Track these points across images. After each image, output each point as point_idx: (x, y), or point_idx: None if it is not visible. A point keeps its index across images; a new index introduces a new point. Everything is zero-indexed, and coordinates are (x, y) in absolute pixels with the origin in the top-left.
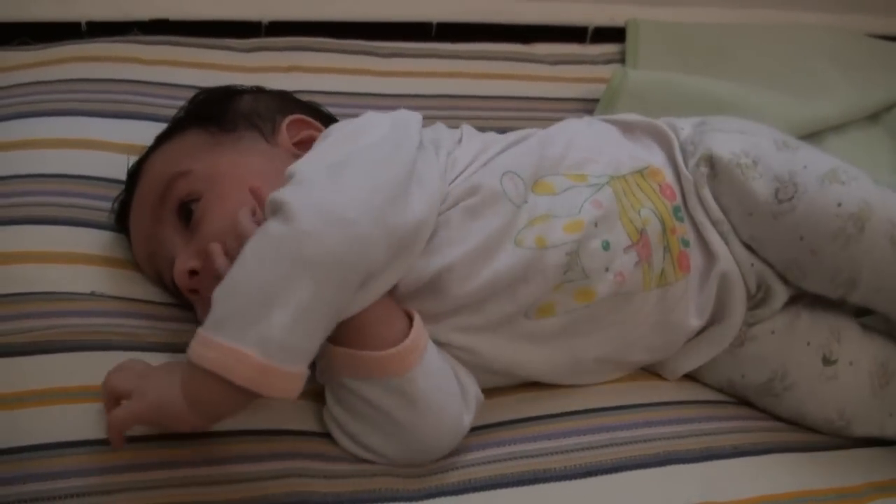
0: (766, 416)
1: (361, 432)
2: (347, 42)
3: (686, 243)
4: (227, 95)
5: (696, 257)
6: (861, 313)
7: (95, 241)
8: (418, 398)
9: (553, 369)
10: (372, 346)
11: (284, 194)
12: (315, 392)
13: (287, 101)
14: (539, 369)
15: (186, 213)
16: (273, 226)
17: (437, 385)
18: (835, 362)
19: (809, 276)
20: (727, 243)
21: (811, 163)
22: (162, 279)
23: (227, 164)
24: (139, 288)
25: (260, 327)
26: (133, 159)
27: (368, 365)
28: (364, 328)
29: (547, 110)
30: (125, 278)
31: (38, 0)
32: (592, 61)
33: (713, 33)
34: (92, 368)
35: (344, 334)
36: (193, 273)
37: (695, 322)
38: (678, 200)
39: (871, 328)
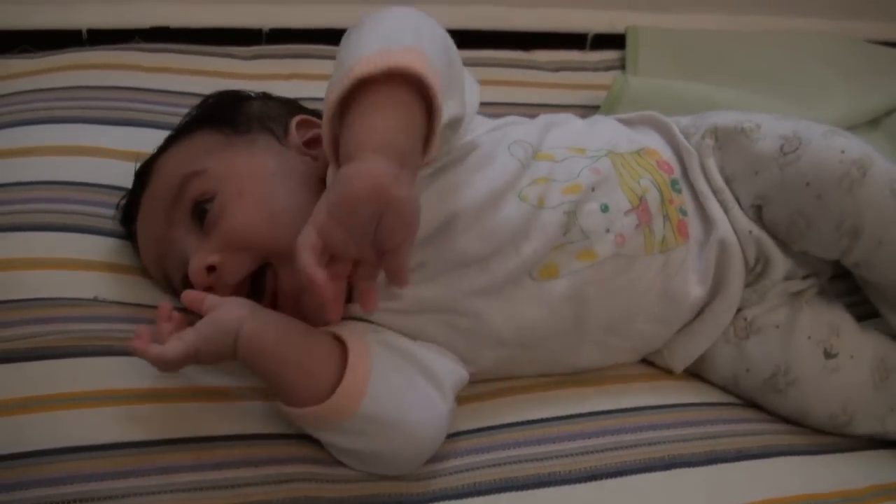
0: (770, 418)
1: (350, 462)
2: None
3: (684, 212)
4: (237, 99)
5: (694, 225)
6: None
7: (98, 246)
8: (379, 424)
9: (560, 338)
10: (309, 399)
11: None
12: None
13: (295, 106)
14: (546, 336)
15: (200, 213)
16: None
17: (394, 398)
18: (836, 356)
19: (815, 227)
20: (726, 212)
21: (812, 124)
22: (170, 282)
23: (243, 163)
24: (142, 293)
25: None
26: (136, 165)
27: (314, 418)
28: (294, 385)
29: None
30: (128, 284)
31: (40, 8)
32: (593, 68)
33: (713, 40)
34: (94, 374)
35: (281, 393)
36: (210, 270)
37: (696, 290)
38: (676, 174)
39: (867, 325)
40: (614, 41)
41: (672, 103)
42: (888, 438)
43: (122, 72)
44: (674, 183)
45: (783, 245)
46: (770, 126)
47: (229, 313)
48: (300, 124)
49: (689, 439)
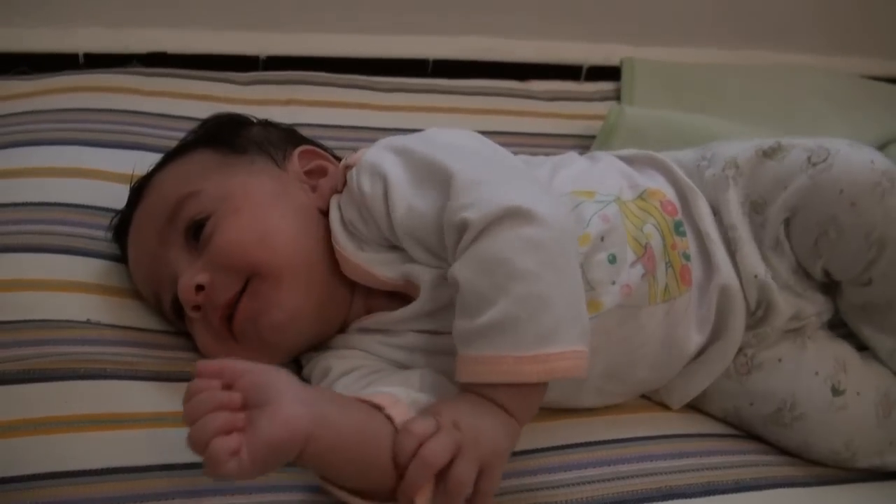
0: (768, 450)
1: None
2: (346, 76)
3: (687, 257)
4: (238, 122)
5: (696, 270)
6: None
7: (92, 269)
8: None
9: (560, 386)
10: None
11: (515, 199)
12: None
13: (295, 136)
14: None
15: (195, 232)
16: (537, 231)
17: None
18: (843, 392)
19: (845, 236)
20: (735, 252)
21: (830, 138)
22: (160, 301)
23: (239, 183)
24: (135, 316)
25: (581, 322)
26: (129, 188)
27: None
28: (356, 482)
29: (544, 146)
30: (121, 306)
31: (37, 31)
32: (588, 98)
33: (707, 72)
34: (87, 397)
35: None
36: (199, 289)
37: (696, 337)
38: (679, 216)
39: (868, 357)
40: (608, 73)
41: (668, 133)
42: (885, 470)
43: (119, 95)
44: (677, 225)
45: (788, 289)
46: (789, 141)
47: (292, 433)
48: (303, 154)
49: (686, 470)
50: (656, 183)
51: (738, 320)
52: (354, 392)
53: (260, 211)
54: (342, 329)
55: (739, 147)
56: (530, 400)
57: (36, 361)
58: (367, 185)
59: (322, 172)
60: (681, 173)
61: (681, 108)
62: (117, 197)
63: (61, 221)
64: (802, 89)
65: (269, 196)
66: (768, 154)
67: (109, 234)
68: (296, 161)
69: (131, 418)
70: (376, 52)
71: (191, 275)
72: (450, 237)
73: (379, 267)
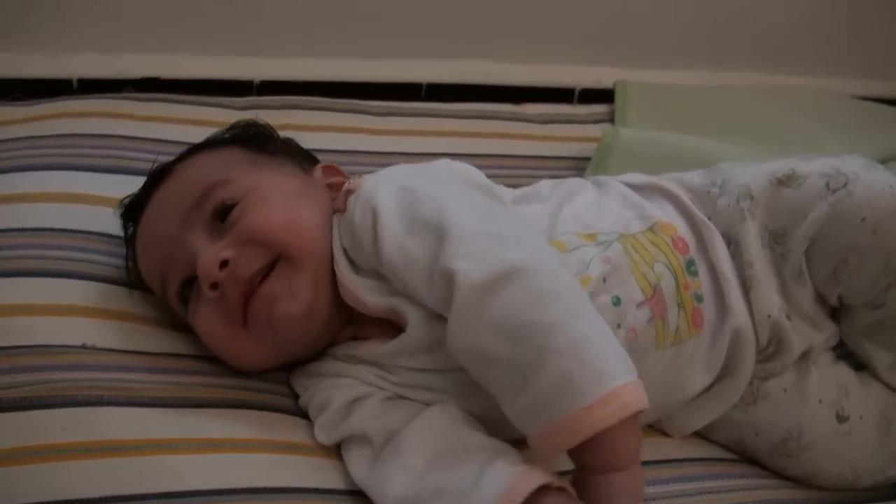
0: (768, 473)
1: None
2: (341, 101)
3: (699, 299)
4: (267, 130)
5: (709, 311)
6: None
7: (88, 292)
8: None
9: None
10: None
11: (516, 256)
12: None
13: (312, 156)
14: None
15: (221, 216)
16: (548, 283)
17: None
18: (847, 418)
19: (866, 263)
20: (750, 290)
21: (845, 158)
22: (165, 285)
23: (268, 179)
24: (133, 339)
25: (624, 355)
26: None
27: None
28: None
29: (538, 168)
30: (118, 330)
31: (30, 57)
32: (582, 121)
33: (700, 95)
34: (84, 425)
35: None
36: (223, 266)
37: (702, 378)
38: (691, 253)
39: (864, 377)
40: (601, 96)
41: (663, 154)
42: (888, 483)
43: (113, 120)
44: (689, 264)
45: (808, 320)
46: (804, 167)
47: None
48: (325, 169)
49: (688, 494)
50: (667, 214)
51: (749, 361)
52: (379, 422)
53: (288, 201)
54: (326, 350)
55: (751, 174)
56: (624, 440)
57: (32, 388)
58: (358, 215)
59: (339, 187)
60: (692, 205)
61: (674, 129)
62: (112, 222)
63: (57, 246)
64: (795, 110)
65: (296, 191)
66: (783, 182)
67: (120, 212)
68: (319, 172)
69: (129, 445)
70: (370, 76)
71: (216, 250)
72: (439, 285)
73: (367, 293)
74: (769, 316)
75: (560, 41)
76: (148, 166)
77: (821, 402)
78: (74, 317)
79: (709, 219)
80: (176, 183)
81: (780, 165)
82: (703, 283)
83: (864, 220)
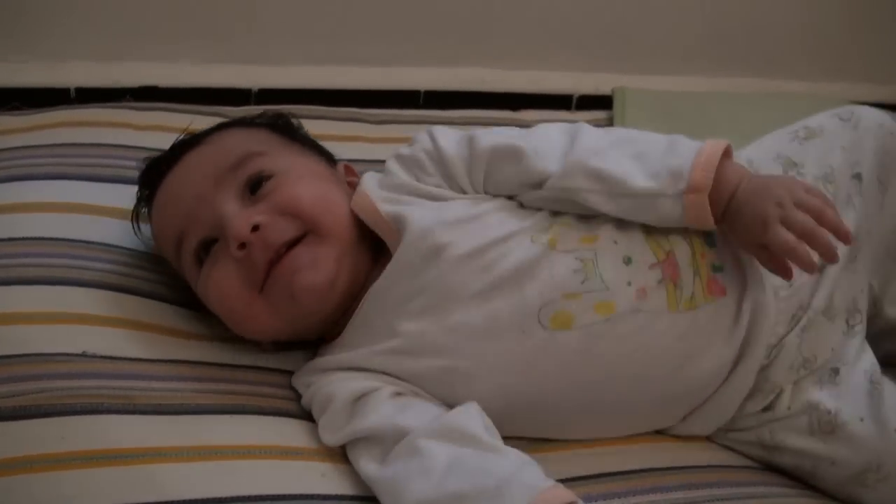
0: (784, 481)
1: None
2: (339, 109)
3: (717, 268)
4: (295, 122)
5: (730, 282)
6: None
7: (87, 299)
8: None
9: (569, 395)
10: None
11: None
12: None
13: None
14: (551, 393)
15: (254, 185)
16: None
17: None
18: None
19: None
20: None
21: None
22: (181, 242)
23: (302, 161)
24: (132, 346)
25: None
26: (123, 223)
27: None
28: None
29: None
30: (118, 337)
31: (28, 66)
32: None
33: (698, 101)
34: (84, 433)
35: None
36: (254, 229)
37: (723, 352)
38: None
39: None
40: (599, 102)
41: None
42: None
43: (111, 129)
44: (708, 235)
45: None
46: (811, 122)
47: None
48: (346, 168)
49: (698, 501)
50: None
51: (766, 335)
52: (390, 422)
53: (322, 182)
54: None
55: (771, 143)
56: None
57: (31, 397)
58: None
59: (354, 189)
60: None
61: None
62: (110, 231)
63: (56, 255)
64: (792, 115)
65: (327, 176)
66: (809, 138)
67: (142, 168)
68: (342, 169)
69: (129, 454)
70: (368, 83)
71: (251, 212)
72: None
73: (382, 203)
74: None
75: (558, 48)
76: None
77: (895, 430)
78: (74, 324)
79: None
80: (211, 148)
81: (794, 128)
82: (722, 254)
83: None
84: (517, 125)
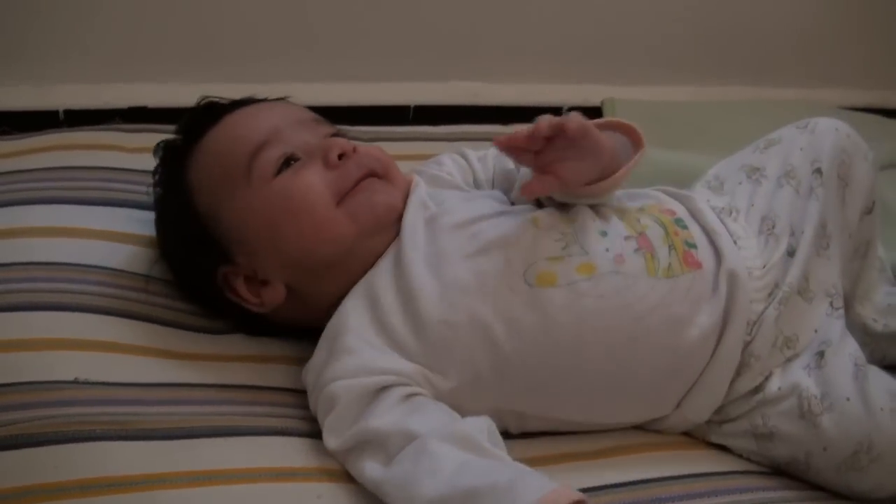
0: (800, 485)
1: None
2: None
3: (691, 245)
4: None
5: (705, 258)
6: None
7: (78, 325)
8: None
9: (560, 357)
10: None
11: None
12: None
13: None
14: (544, 351)
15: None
16: None
17: None
18: None
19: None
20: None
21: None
22: (259, 151)
23: None
24: (125, 371)
25: None
26: (114, 245)
27: None
28: None
29: None
30: (111, 362)
31: (16, 89)
32: None
33: (688, 110)
34: (77, 462)
35: None
36: (342, 157)
37: (706, 320)
38: (679, 215)
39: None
40: (588, 113)
41: (653, 171)
42: None
43: (101, 152)
44: (678, 221)
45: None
46: (768, 137)
47: None
48: None
49: None
50: (653, 199)
51: (744, 308)
52: (399, 427)
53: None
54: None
55: (735, 160)
56: None
57: (23, 426)
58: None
59: None
60: (673, 189)
61: (663, 146)
62: (103, 254)
63: (47, 279)
64: (782, 122)
65: None
66: (768, 146)
67: (202, 103)
68: None
69: (123, 482)
70: (357, 99)
71: (344, 140)
72: None
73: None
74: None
75: (547, 60)
76: (137, 198)
77: (882, 409)
78: (66, 351)
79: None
80: (284, 104)
81: (756, 143)
82: (695, 233)
83: (836, 129)
84: None
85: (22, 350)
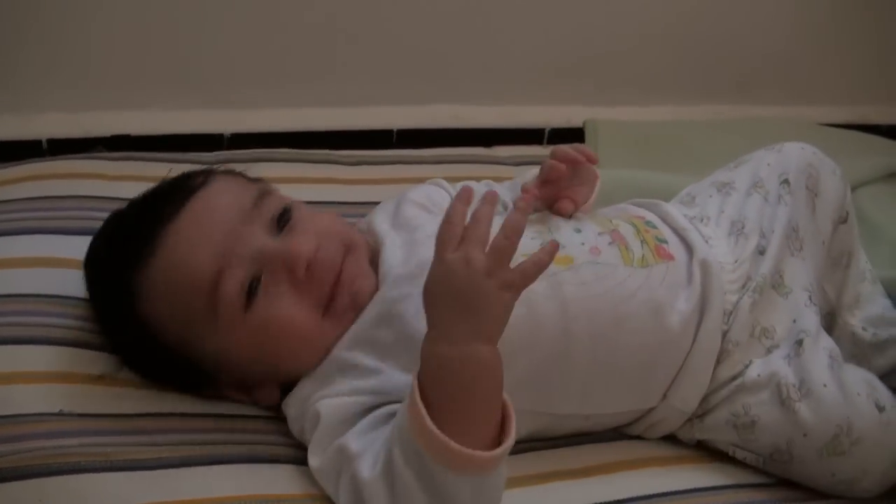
0: (810, 495)
1: None
2: (312, 152)
3: (662, 241)
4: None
5: (677, 251)
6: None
7: (62, 357)
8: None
9: (547, 346)
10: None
11: None
12: None
13: None
14: (531, 342)
15: (280, 220)
16: None
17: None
18: (884, 408)
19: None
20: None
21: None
22: (219, 281)
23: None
24: (109, 402)
25: None
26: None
27: (467, 461)
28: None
29: None
30: (94, 393)
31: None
32: None
33: (670, 130)
34: (61, 495)
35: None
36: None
37: (684, 307)
38: (648, 218)
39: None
40: (571, 135)
41: (635, 193)
42: None
43: (84, 181)
44: (648, 223)
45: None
46: (740, 160)
47: None
48: None
49: None
50: (622, 210)
51: (718, 295)
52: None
53: (334, 217)
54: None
55: (707, 179)
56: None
57: (8, 459)
58: None
59: None
60: (642, 200)
61: (645, 166)
62: (83, 285)
63: (28, 312)
64: (763, 139)
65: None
66: (738, 165)
67: (117, 213)
68: None
69: None
70: (340, 124)
71: (305, 240)
72: None
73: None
74: (736, 261)
75: (528, 82)
76: None
77: (858, 395)
78: (50, 383)
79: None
80: (223, 186)
81: (728, 164)
82: (665, 232)
83: (802, 148)
84: (491, 162)
85: (5, 384)
